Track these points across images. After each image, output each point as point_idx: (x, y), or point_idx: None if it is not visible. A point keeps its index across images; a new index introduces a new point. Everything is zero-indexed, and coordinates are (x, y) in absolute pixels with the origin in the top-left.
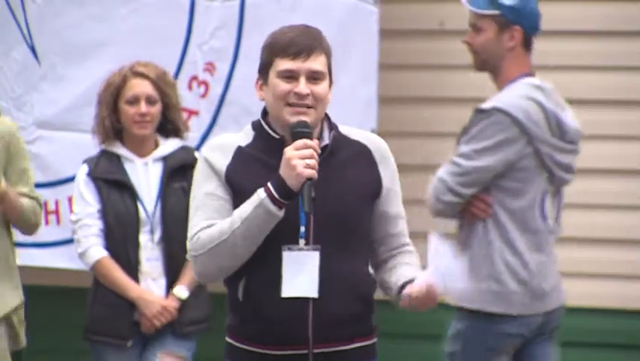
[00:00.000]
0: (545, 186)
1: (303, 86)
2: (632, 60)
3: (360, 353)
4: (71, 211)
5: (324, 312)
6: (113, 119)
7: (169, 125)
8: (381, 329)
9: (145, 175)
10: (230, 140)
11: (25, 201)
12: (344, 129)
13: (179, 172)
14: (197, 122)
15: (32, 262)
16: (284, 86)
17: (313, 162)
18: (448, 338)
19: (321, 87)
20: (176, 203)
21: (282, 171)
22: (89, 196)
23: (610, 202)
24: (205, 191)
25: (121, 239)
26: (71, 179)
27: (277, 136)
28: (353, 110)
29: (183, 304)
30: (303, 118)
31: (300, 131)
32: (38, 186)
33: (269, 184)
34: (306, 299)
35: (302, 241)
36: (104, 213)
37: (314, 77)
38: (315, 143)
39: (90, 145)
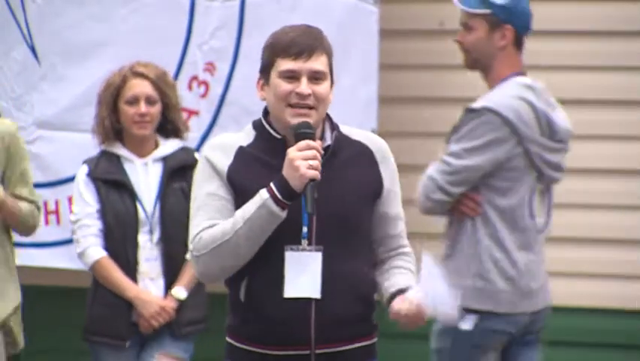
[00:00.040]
0: (534, 184)
1: (304, 86)
2: (632, 60)
3: (361, 353)
4: (71, 211)
5: (327, 312)
6: (112, 119)
7: (169, 126)
8: (381, 329)
9: (144, 175)
10: (231, 140)
11: (24, 206)
12: (345, 129)
13: (178, 173)
14: (197, 122)
15: (32, 262)
16: (285, 86)
17: (316, 162)
18: (434, 335)
19: (322, 87)
20: (175, 203)
21: (285, 171)
22: (88, 196)
23: (610, 202)
24: (207, 191)
25: (120, 239)
26: (71, 179)
27: (279, 136)
28: (353, 110)
29: (181, 304)
30: (305, 119)
31: (303, 132)
32: (38, 186)
33: (272, 185)
34: (308, 300)
35: (304, 242)
36: (103, 214)
37: (315, 77)
38: (318, 144)
39: (90, 145)
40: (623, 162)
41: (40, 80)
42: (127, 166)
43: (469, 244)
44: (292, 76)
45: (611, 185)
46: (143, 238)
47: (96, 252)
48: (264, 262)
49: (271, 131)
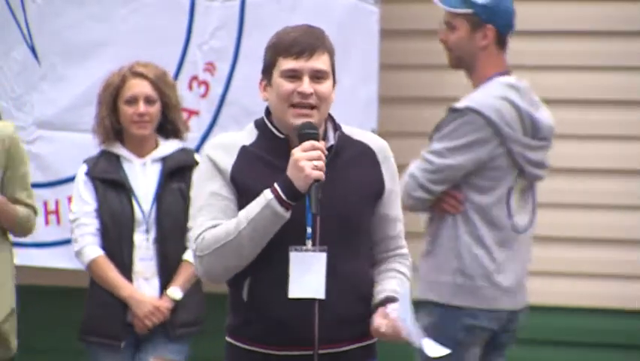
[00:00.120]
0: (513, 184)
1: (306, 86)
2: (632, 60)
3: (362, 352)
4: (70, 210)
5: (330, 313)
6: (112, 119)
7: (169, 126)
8: None
9: (143, 175)
10: (233, 139)
11: (20, 210)
12: (347, 129)
13: (177, 173)
14: (197, 122)
15: (32, 262)
16: (287, 85)
17: (321, 163)
18: None
19: (324, 86)
20: (172, 203)
21: (290, 172)
22: (86, 195)
23: (610, 202)
24: (210, 190)
25: (116, 238)
26: (71, 179)
27: (282, 136)
28: (353, 110)
29: (176, 305)
30: (307, 120)
31: (307, 133)
32: (38, 186)
33: (276, 185)
34: (312, 300)
35: (309, 242)
36: (101, 213)
37: (317, 76)
38: (322, 144)
39: (90, 145)
40: (623, 162)
41: (40, 80)
42: (126, 166)
43: (450, 241)
44: (294, 75)
45: (611, 185)
46: (139, 237)
47: (92, 251)
48: (268, 262)
49: (274, 130)
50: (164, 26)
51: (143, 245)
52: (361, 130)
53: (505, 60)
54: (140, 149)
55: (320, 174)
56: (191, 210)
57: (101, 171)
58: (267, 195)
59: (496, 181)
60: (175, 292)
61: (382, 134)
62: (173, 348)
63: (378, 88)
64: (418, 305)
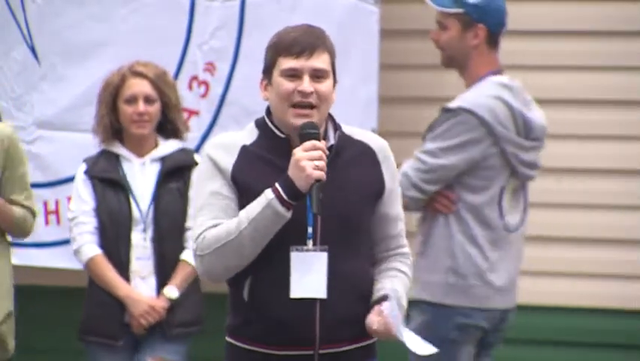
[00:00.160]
0: (505, 183)
1: (306, 84)
2: (632, 60)
3: (362, 352)
4: (69, 209)
5: (331, 312)
6: (112, 118)
7: (169, 126)
8: None
9: (142, 175)
10: (233, 138)
11: (17, 210)
12: (347, 129)
13: (175, 173)
14: (197, 122)
15: (32, 262)
16: (288, 85)
17: (322, 163)
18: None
19: (324, 85)
20: (170, 203)
21: (291, 172)
22: (85, 194)
23: (610, 202)
24: (210, 190)
25: (113, 237)
26: (71, 179)
27: (282, 135)
28: (353, 110)
29: (173, 305)
30: (308, 120)
31: (309, 133)
32: (38, 186)
33: (277, 185)
34: (313, 300)
35: (310, 242)
36: (99, 212)
37: (317, 75)
38: (323, 144)
39: (90, 145)
40: (623, 162)
41: (40, 80)
42: (125, 165)
43: (442, 240)
44: (294, 74)
45: (611, 185)
46: (136, 236)
47: (90, 250)
48: (269, 262)
49: (275, 130)
50: (164, 26)
51: (140, 244)
52: (361, 130)
53: (497, 59)
54: (140, 148)
55: (321, 174)
56: (191, 210)
57: (99, 170)
58: (268, 194)
59: (489, 181)
60: (171, 291)
61: (382, 134)
62: (170, 348)
63: (378, 88)
64: (411, 305)
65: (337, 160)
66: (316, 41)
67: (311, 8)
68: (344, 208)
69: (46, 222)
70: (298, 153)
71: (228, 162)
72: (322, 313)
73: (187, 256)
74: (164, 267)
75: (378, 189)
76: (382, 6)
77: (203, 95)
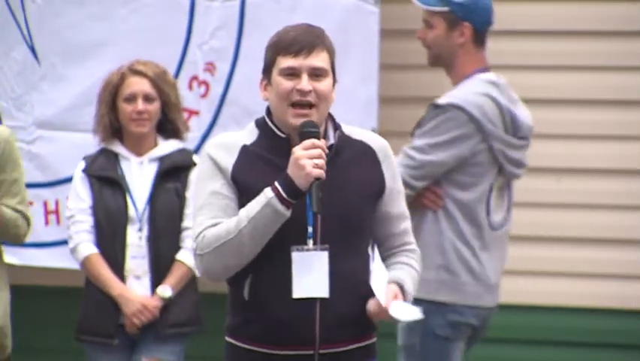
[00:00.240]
0: (493, 181)
1: (305, 83)
2: (632, 60)
3: (362, 352)
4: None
5: (331, 312)
6: (112, 117)
7: (169, 125)
8: (381, 329)
9: (139, 174)
10: (234, 138)
11: (7, 211)
12: (347, 129)
13: (173, 173)
14: (197, 122)
15: (32, 262)
16: (286, 84)
17: (322, 161)
18: (400, 331)
19: (323, 84)
20: (166, 203)
21: (291, 170)
22: (82, 192)
23: (610, 202)
24: (210, 189)
25: (109, 236)
26: (71, 179)
27: (283, 135)
28: (353, 110)
29: (168, 305)
30: (307, 119)
31: (308, 131)
32: (38, 186)
33: (276, 184)
34: (313, 299)
35: (310, 242)
36: (95, 210)
37: (316, 73)
38: (323, 143)
39: (90, 145)
40: (623, 162)
41: (40, 80)
42: (123, 164)
43: (432, 237)
44: (292, 73)
45: (611, 185)
46: (132, 235)
47: (86, 248)
48: (269, 262)
49: (275, 129)
50: (164, 26)
51: (136, 243)
52: (361, 129)
53: (484, 57)
54: (139, 147)
55: (321, 173)
56: (189, 210)
57: (97, 169)
58: (267, 193)
59: (477, 178)
60: (165, 290)
61: (382, 134)
62: (165, 348)
63: (378, 88)
64: None
65: (337, 160)
66: (315, 40)
67: (311, 8)
68: (344, 208)
69: (46, 222)
70: (298, 151)
71: (228, 161)
72: (322, 312)
73: (183, 256)
74: (159, 267)
75: (378, 188)
76: (382, 6)
77: (204, 95)
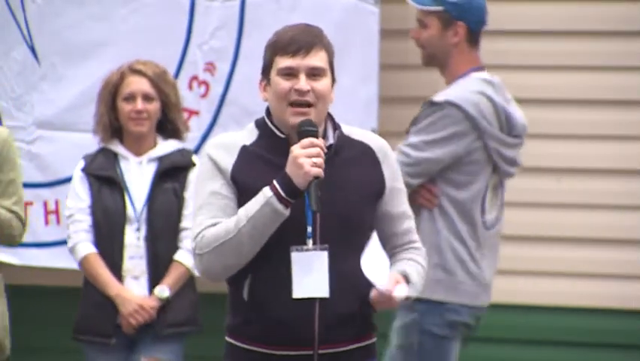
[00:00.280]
0: (488, 180)
1: (303, 83)
2: (632, 60)
3: (361, 352)
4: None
5: (330, 312)
6: (111, 117)
7: (169, 125)
8: (381, 329)
9: (138, 174)
10: (234, 138)
11: (2, 213)
12: (346, 129)
13: (171, 173)
14: (197, 122)
15: (32, 262)
16: (284, 84)
17: (320, 160)
18: (396, 331)
19: (321, 84)
20: (164, 203)
21: (289, 169)
22: (81, 191)
23: (610, 202)
24: (210, 190)
25: (107, 236)
26: (71, 179)
27: (282, 135)
28: (353, 110)
29: (166, 305)
30: (306, 118)
31: (307, 130)
32: (38, 186)
33: (275, 183)
34: (312, 300)
35: (309, 242)
36: (94, 209)
37: (314, 73)
38: (321, 142)
39: (90, 145)
40: (623, 162)
41: (40, 80)
42: (122, 164)
43: (428, 236)
44: (290, 73)
45: (611, 185)
46: (129, 235)
47: (85, 248)
48: (268, 262)
49: (274, 130)
50: (164, 26)
51: (134, 243)
52: (361, 130)
53: (478, 56)
54: (138, 147)
55: (319, 171)
56: (186, 211)
57: (96, 168)
58: (266, 192)
59: (473, 176)
60: (162, 291)
61: (382, 134)
62: (163, 348)
63: (378, 88)
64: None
65: (337, 160)
66: (313, 40)
67: (311, 8)
68: (344, 208)
69: (46, 222)
70: (296, 150)
71: (228, 161)
72: (321, 312)
73: (181, 256)
74: (157, 267)
75: (378, 188)
76: (382, 6)
77: (204, 95)
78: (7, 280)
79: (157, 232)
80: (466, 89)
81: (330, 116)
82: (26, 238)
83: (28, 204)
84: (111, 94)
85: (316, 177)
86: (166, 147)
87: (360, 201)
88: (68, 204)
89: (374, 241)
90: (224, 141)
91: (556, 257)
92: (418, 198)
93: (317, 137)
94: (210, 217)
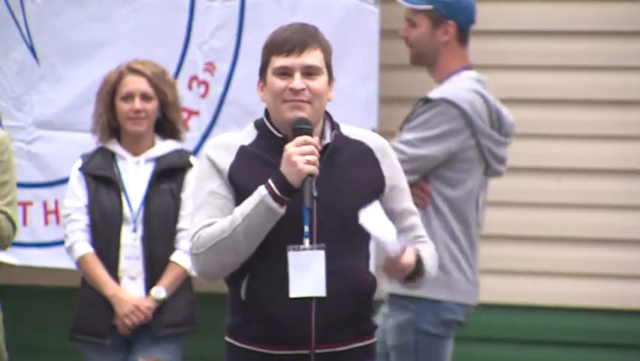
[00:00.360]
0: (481, 178)
1: (297, 82)
2: (632, 60)
3: (360, 352)
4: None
5: (327, 312)
6: (109, 116)
7: (167, 125)
8: None
9: (135, 174)
10: (233, 139)
11: None
12: (345, 129)
13: (168, 174)
14: (197, 122)
15: (32, 262)
16: (279, 83)
17: (314, 158)
18: (391, 330)
19: (316, 82)
20: (161, 203)
21: (283, 167)
22: (78, 191)
23: (610, 202)
24: (208, 190)
25: (104, 235)
26: None
27: (280, 135)
28: (353, 110)
29: (163, 305)
30: (300, 113)
31: (300, 128)
32: (38, 185)
33: (270, 181)
34: (309, 299)
35: (306, 241)
36: (91, 209)
37: (309, 72)
38: (315, 140)
39: (90, 145)
40: (623, 162)
41: (40, 80)
42: (120, 163)
43: None
44: (285, 72)
45: (611, 185)
46: (126, 235)
47: (82, 247)
48: (265, 261)
49: (273, 130)
50: (164, 26)
51: (130, 243)
52: (360, 129)
53: (467, 55)
54: (136, 147)
55: (313, 169)
56: (183, 212)
57: (94, 168)
58: (261, 191)
59: (465, 174)
60: (159, 292)
61: (382, 134)
62: (160, 348)
63: (378, 88)
64: (394, 299)
65: (335, 160)
66: (307, 39)
67: (311, 8)
68: (342, 207)
69: (46, 222)
70: (290, 148)
71: (226, 162)
72: (318, 312)
73: (177, 257)
74: (154, 267)
75: (377, 187)
76: (382, 6)
77: (203, 95)
78: (7, 280)
79: (153, 233)
80: (460, 87)
81: (328, 116)
82: (26, 238)
83: (27, 204)
84: (109, 93)
85: (310, 175)
86: (164, 147)
87: (359, 200)
88: (65, 204)
89: (376, 206)
90: (223, 141)
91: (556, 257)
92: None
93: (311, 135)
94: (207, 217)
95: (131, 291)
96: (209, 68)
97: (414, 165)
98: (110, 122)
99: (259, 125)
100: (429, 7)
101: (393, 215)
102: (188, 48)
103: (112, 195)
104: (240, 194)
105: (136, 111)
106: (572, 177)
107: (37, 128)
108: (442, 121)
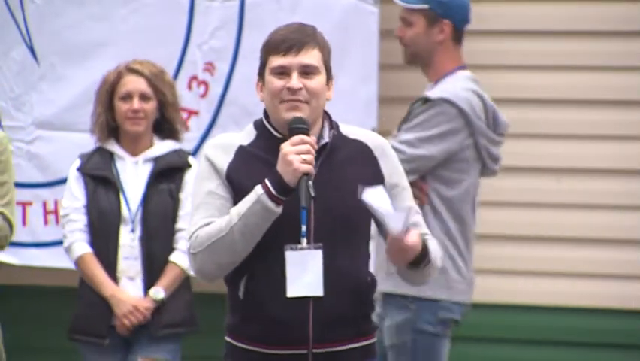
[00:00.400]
0: (478, 178)
1: (295, 81)
2: (632, 60)
3: (360, 352)
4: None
5: (325, 311)
6: (108, 116)
7: (166, 125)
8: None
9: (133, 174)
10: (232, 139)
11: None
12: (344, 128)
13: (167, 174)
14: (196, 123)
15: (32, 262)
16: (277, 82)
17: (310, 157)
18: (389, 330)
19: (314, 82)
20: (159, 203)
21: (279, 167)
22: (77, 191)
23: (610, 202)
24: (206, 190)
25: (102, 236)
26: None
27: (279, 135)
28: (353, 110)
29: (161, 306)
30: (298, 113)
31: (297, 127)
32: (37, 185)
33: (266, 181)
34: (307, 299)
35: (304, 240)
36: (89, 209)
37: (306, 71)
38: (312, 139)
39: (89, 145)
40: (623, 162)
41: (39, 80)
42: (118, 164)
43: None
44: (282, 72)
45: (611, 185)
46: (124, 236)
47: (80, 247)
48: (263, 261)
49: (271, 130)
50: (164, 26)
51: (128, 244)
52: (359, 128)
53: (461, 55)
54: (134, 147)
55: (309, 168)
56: (182, 212)
57: (92, 168)
58: (257, 190)
59: (462, 174)
60: (157, 292)
61: (382, 133)
62: (159, 348)
63: (378, 88)
64: (391, 299)
65: (333, 160)
66: (305, 38)
67: (310, 8)
68: (341, 207)
69: (45, 222)
70: (286, 147)
71: (224, 162)
72: (316, 312)
73: (176, 257)
74: (152, 268)
75: (376, 186)
76: (382, 6)
77: (203, 95)
78: (7, 280)
79: (152, 233)
80: (458, 87)
81: (327, 116)
82: (25, 238)
83: (27, 204)
84: (108, 93)
85: (306, 174)
86: (162, 147)
87: (357, 200)
88: (64, 204)
89: (380, 189)
90: (222, 141)
91: (556, 257)
92: None
93: (308, 134)
94: (205, 217)
95: (129, 291)
96: (209, 68)
97: (413, 165)
98: (109, 122)
99: (258, 125)
100: (424, 6)
101: None
102: (188, 48)
103: (110, 196)
104: (238, 194)
105: (134, 111)
106: (572, 177)
107: (37, 129)
108: (441, 121)
